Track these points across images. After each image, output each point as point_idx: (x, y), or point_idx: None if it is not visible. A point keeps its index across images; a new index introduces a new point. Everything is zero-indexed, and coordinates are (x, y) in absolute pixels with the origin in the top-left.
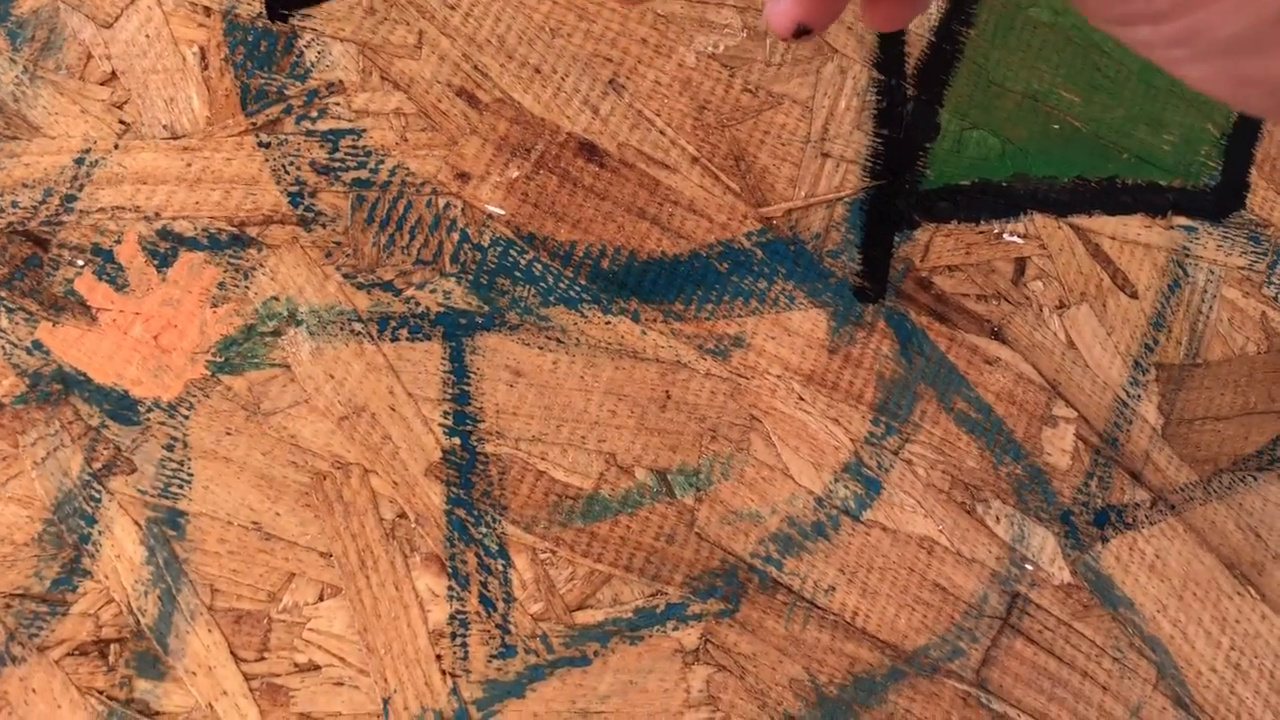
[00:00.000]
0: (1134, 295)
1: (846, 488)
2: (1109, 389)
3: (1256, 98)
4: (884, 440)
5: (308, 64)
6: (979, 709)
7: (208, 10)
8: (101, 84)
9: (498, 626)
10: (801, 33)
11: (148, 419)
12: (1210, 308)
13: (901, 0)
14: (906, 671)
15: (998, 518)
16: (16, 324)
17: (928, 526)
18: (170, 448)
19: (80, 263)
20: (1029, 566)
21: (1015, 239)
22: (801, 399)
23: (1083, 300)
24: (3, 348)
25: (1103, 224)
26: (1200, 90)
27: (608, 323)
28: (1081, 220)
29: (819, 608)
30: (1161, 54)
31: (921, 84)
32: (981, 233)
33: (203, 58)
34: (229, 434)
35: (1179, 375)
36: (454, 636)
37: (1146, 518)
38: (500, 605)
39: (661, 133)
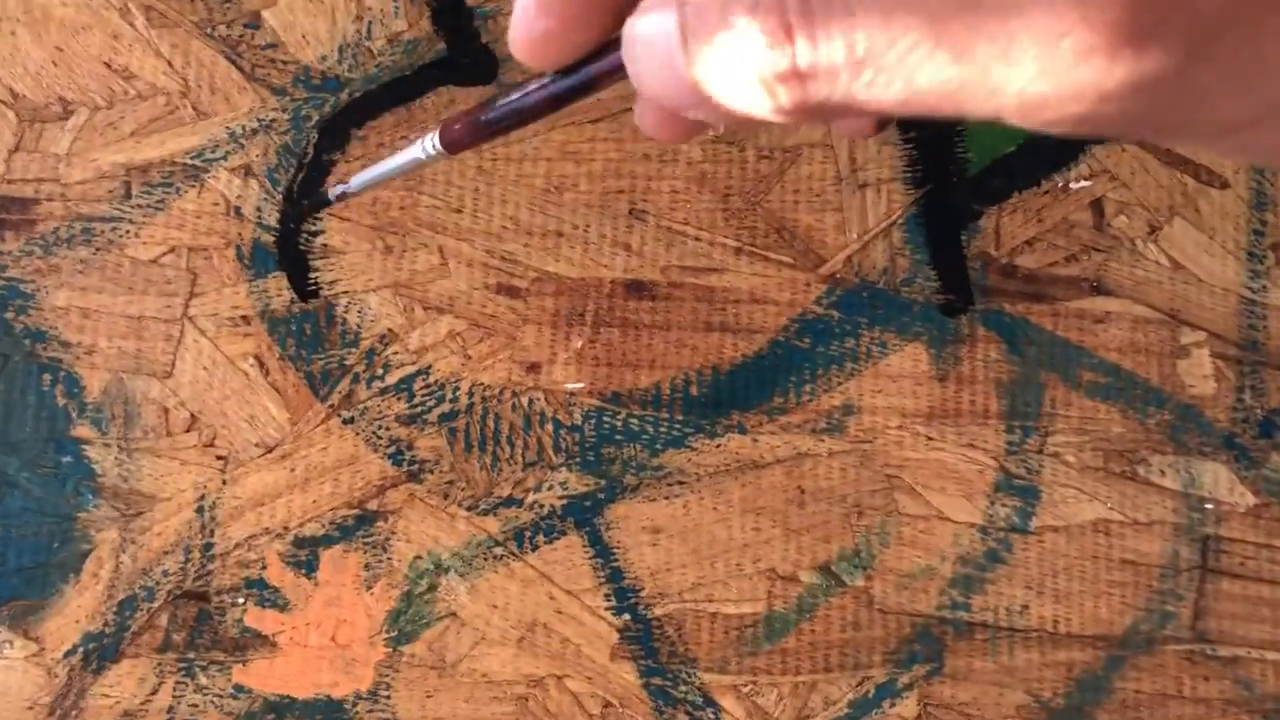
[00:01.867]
0: (1224, 185)
1: (1005, 506)
2: (1230, 294)
3: None
4: (1025, 444)
5: (354, 327)
6: (1208, 662)
7: (246, 319)
8: (187, 431)
9: None
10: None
11: (357, 713)
12: None
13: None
14: (1124, 655)
15: (1162, 471)
16: (214, 678)
17: (1096, 510)
18: None
19: (241, 600)
20: (1209, 505)
21: (1083, 184)
22: (930, 439)
23: (1173, 214)
24: (214, 702)
25: None
26: None
27: (718, 446)
28: None
29: (1019, 630)
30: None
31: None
32: (1047, 193)
33: (261, 365)
34: (430, 696)
35: None
36: None
37: None
38: None
39: (697, 239)
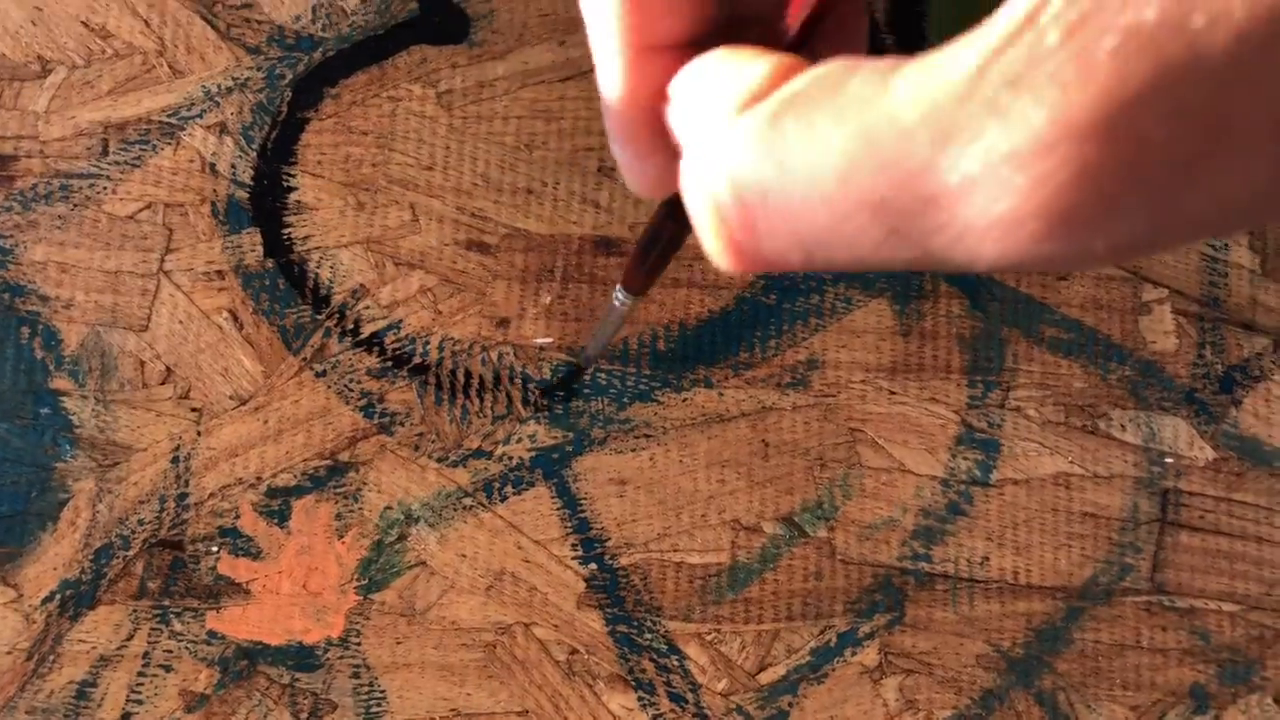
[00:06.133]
0: None
1: (966, 459)
2: (1192, 251)
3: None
4: (986, 399)
5: (326, 282)
6: (1165, 613)
7: (220, 274)
8: (162, 384)
9: (695, 715)
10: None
11: (328, 659)
12: None
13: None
14: (1083, 606)
15: (1123, 425)
16: (188, 624)
17: (1057, 463)
18: (357, 675)
19: (215, 548)
20: (1169, 460)
21: None
22: (893, 393)
23: None
24: (188, 648)
25: None
26: None
27: (684, 400)
28: None
29: (979, 581)
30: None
31: (896, 28)
32: None
33: (235, 319)
34: (400, 643)
35: None
36: None
37: (1273, 362)
38: (689, 696)
39: None
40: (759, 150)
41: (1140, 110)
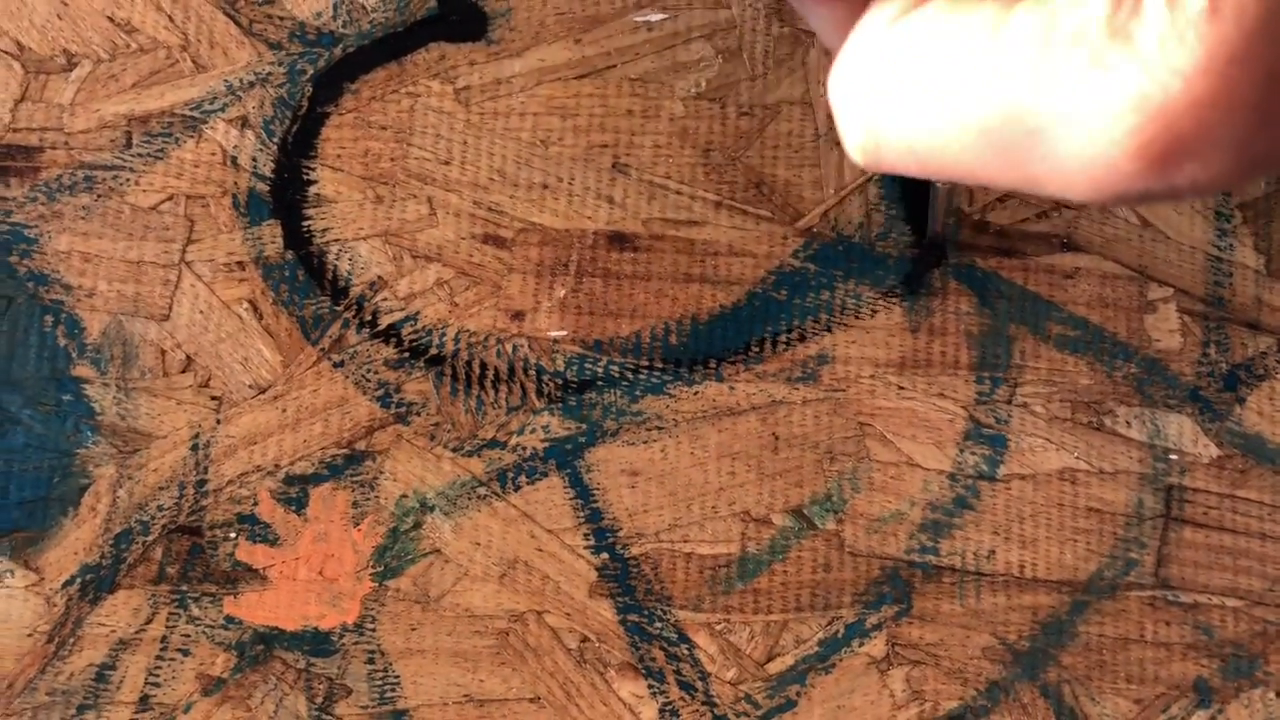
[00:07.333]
0: None
1: (974, 454)
2: (1197, 251)
3: None
4: (994, 394)
5: (344, 274)
6: (1169, 608)
7: (241, 265)
8: (183, 372)
9: (704, 703)
10: None
11: (343, 644)
12: None
13: None
14: (1088, 600)
15: (1128, 422)
16: (206, 609)
17: (1063, 458)
18: (371, 660)
19: (233, 534)
20: (1174, 456)
21: None
22: (901, 388)
23: None
24: (205, 633)
25: None
26: None
27: (696, 393)
28: None
29: (985, 574)
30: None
31: None
32: None
33: (255, 310)
34: (414, 629)
35: (1266, 207)
36: None
37: (1277, 361)
38: (699, 685)
39: (678, 193)
40: (885, 64)
41: (1228, 71)
